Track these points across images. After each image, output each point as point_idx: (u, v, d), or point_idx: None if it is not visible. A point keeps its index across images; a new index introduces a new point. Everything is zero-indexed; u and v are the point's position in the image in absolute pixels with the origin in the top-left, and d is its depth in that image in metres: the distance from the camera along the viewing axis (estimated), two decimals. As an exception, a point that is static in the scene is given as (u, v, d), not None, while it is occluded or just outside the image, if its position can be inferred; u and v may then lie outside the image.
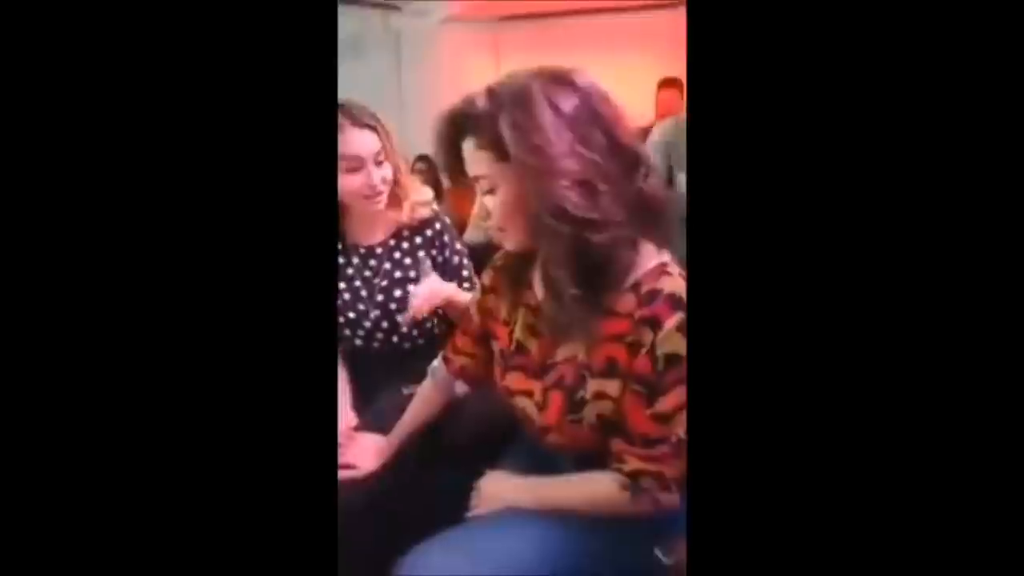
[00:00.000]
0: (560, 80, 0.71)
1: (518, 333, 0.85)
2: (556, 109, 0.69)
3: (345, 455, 1.01)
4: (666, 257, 0.75)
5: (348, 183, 1.09)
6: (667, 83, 3.41)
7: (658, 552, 0.80)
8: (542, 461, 0.86)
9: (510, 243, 0.78)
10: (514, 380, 0.85)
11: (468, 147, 0.74)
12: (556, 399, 0.78)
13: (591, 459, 0.79)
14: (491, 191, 0.74)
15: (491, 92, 0.72)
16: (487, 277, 0.94)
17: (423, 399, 1.04)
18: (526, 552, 0.76)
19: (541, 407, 0.80)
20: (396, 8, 4.06)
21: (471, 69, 4.16)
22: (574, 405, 0.76)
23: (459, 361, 0.99)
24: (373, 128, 1.09)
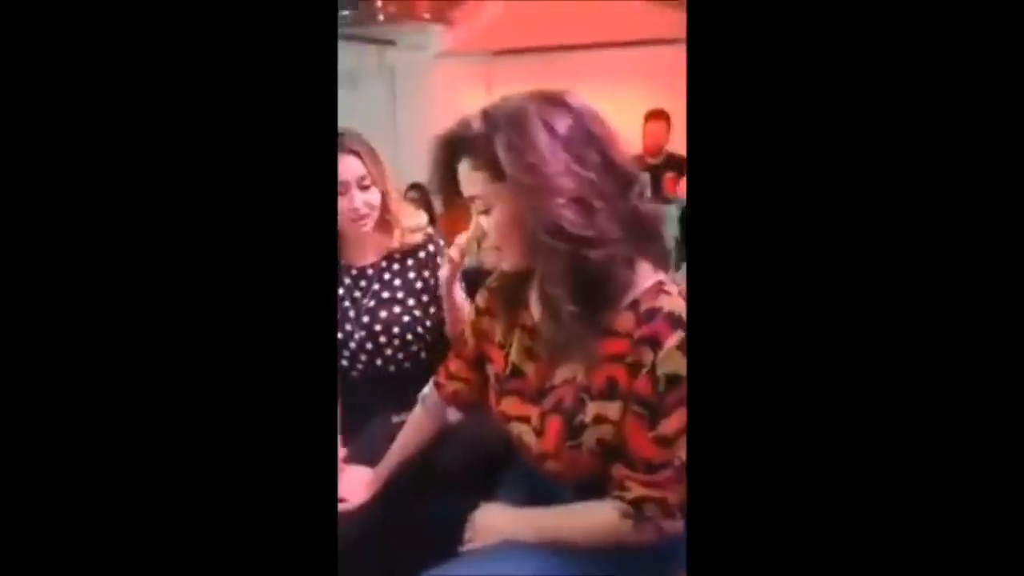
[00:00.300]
0: (554, 101, 0.72)
1: (514, 356, 0.83)
2: (551, 129, 0.70)
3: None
4: (663, 276, 0.75)
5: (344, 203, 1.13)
6: (654, 115, 3.47)
7: None
8: (539, 491, 0.84)
9: (507, 263, 0.78)
10: (510, 405, 0.83)
11: (464, 168, 0.75)
12: (554, 424, 0.76)
13: (591, 487, 0.77)
14: (487, 211, 0.75)
15: (486, 114, 0.73)
16: (481, 299, 0.92)
17: (414, 427, 1.01)
18: None
19: (539, 433, 0.78)
20: (391, 43, 4.14)
21: (465, 101, 4.22)
22: (573, 430, 0.75)
23: (452, 386, 0.97)
24: (357, 154, 1.14)
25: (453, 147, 0.76)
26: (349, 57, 4.09)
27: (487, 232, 0.77)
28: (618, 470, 0.74)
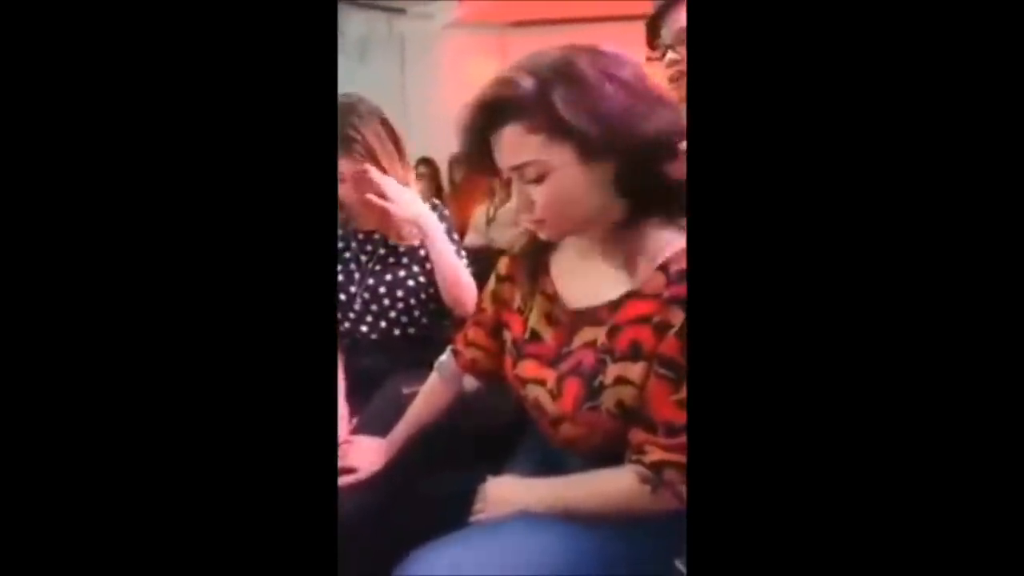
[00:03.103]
0: (592, 51, 0.70)
1: (533, 321, 0.82)
2: (611, 77, 0.67)
3: (345, 459, 0.98)
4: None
5: (347, 167, 1.16)
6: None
7: (678, 564, 0.74)
8: (552, 463, 0.82)
9: (547, 233, 0.75)
10: (526, 368, 0.81)
11: (510, 134, 0.70)
12: (572, 386, 0.74)
13: (604, 456, 0.75)
14: (539, 179, 0.70)
15: (533, 72, 0.68)
16: (503, 265, 0.90)
17: (429, 395, 1.00)
18: (536, 557, 0.71)
19: (555, 396, 0.76)
20: (401, 11, 4.07)
21: (475, 73, 4.18)
22: (592, 392, 0.73)
23: (470, 354, 0.94)
24: (382, 122, 1.18)
25: (493, 112, 0.70)
26: (358, 25, 4.04)
27: (535, 201, 0.72)
28: (636, 434, 0.72)
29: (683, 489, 0.69)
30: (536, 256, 0.84)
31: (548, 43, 0.74)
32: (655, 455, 0.70)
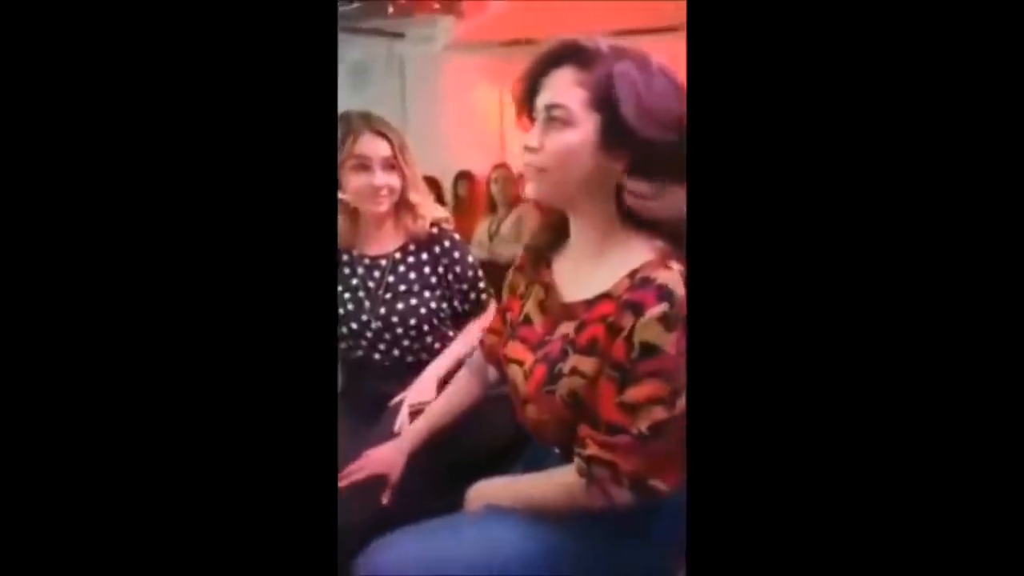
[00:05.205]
0: (645, 60, 0.74)
1: (528, 306, 0.87)
2: (667, 75, 0.72)
3: (368, 469, 0.97)
4: (672, 252, 0.74)
5: (353, 181, 1.17)
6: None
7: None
8: (540, 465, 0.85)
9: (539, 186, 0.78)
10: (513, 349, 0.87)
11: (563, 74, 0.75)
12: (539, 370, 0.79)
13: (564, 450, 0.80)
14: (563, 124, 0.74)
15: (612, 45, 0.74)
16: (519, 257, 0.96)
17: (456, 389, 1.04)
18: (499, 545, 0.77)
19: (527, 376, 0.81)
20: (400, 36, 4.14)
21: (475, 93, 4.22)
22: (552, 377, 0.77)
23: (489, 341, 1.00)
24: (384, 135, 1.17)
25: (561, 54, 0.75)
26: (358, 50, 4.10)
27: (544, 146, 0.75)
28: (582, 428, 0.76)
29: (615, 490, 0.73)
30: (544, 249, 0.89)
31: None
32: (591, 449, 0.74)
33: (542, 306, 0.86)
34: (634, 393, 0.72)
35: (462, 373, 1.06)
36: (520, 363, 0.84)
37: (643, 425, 0.71)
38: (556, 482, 0.79)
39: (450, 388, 1.05)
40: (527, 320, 0.87)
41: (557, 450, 0.84)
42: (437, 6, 3.74)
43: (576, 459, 0.76)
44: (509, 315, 0.93)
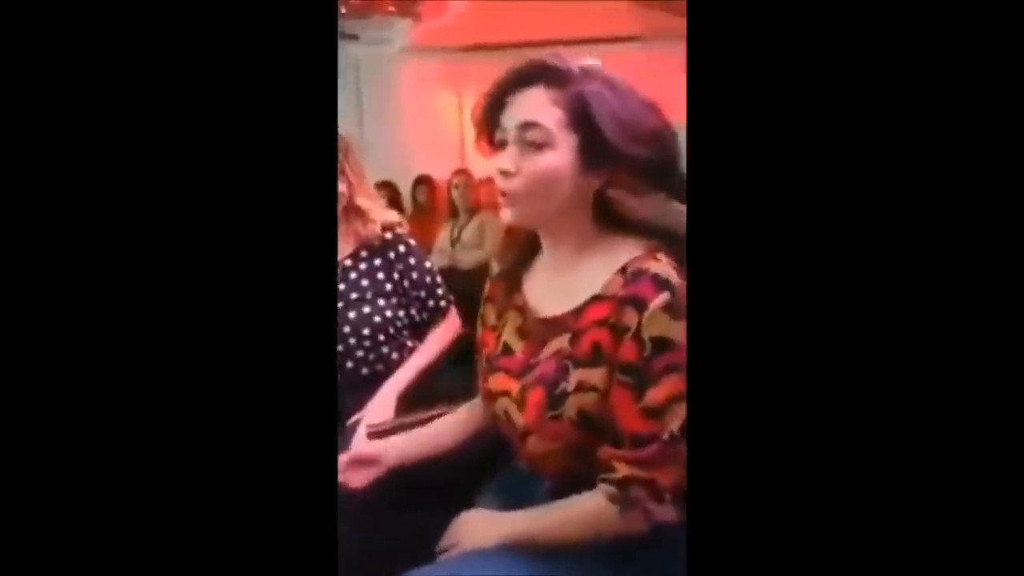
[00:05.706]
0: (612, 78, 0.74)
1: (506, 335, 0.82)
2: (633, 93, 0.72)
3: (363, 444, 0.96)
4: (658, 245, 0.73)
5: None
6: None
7: None
8: (524, 494, 0.79)
9: (514, 211, 0.74)
10: (496, 381, 0.81)
11: (534, 93, 0.72)
12: (535, 395, 0.73)
13: (577, 482, 0.72)
14: (538, 147, 0.71)
15: (584, 67, 0.73)
16: (487, 288, 0.91)
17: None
18: None
19: (520, 405, 0.75)
20: (354, 38, 4.08)
21: (434, 98, 4.20)
22: (555, 400, 0.71)
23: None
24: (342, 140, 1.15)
25: (531, 73, 0.73)
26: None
27: (520, 169, 0.72)
28: (604, 451, 0.70)
29: (654, 508, 0.67)
30: (513, 274, 0.85)
31: (506, 67, 0.75)
32: (622, 471, 0.68)
33: (520, 331, 0.81)
34: (655, 394, 0.67)
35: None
36: (507, 394, 0.78)
37: (673, 426, 0.66)
38: (579, 513, 0.71)
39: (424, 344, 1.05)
40: (507, 349, 0.81)
41: (547, 483, 0.78)
42: (392, 9, 3.70)
43: (603, 486, 0.69)
44: (485, 350, 0.86)
